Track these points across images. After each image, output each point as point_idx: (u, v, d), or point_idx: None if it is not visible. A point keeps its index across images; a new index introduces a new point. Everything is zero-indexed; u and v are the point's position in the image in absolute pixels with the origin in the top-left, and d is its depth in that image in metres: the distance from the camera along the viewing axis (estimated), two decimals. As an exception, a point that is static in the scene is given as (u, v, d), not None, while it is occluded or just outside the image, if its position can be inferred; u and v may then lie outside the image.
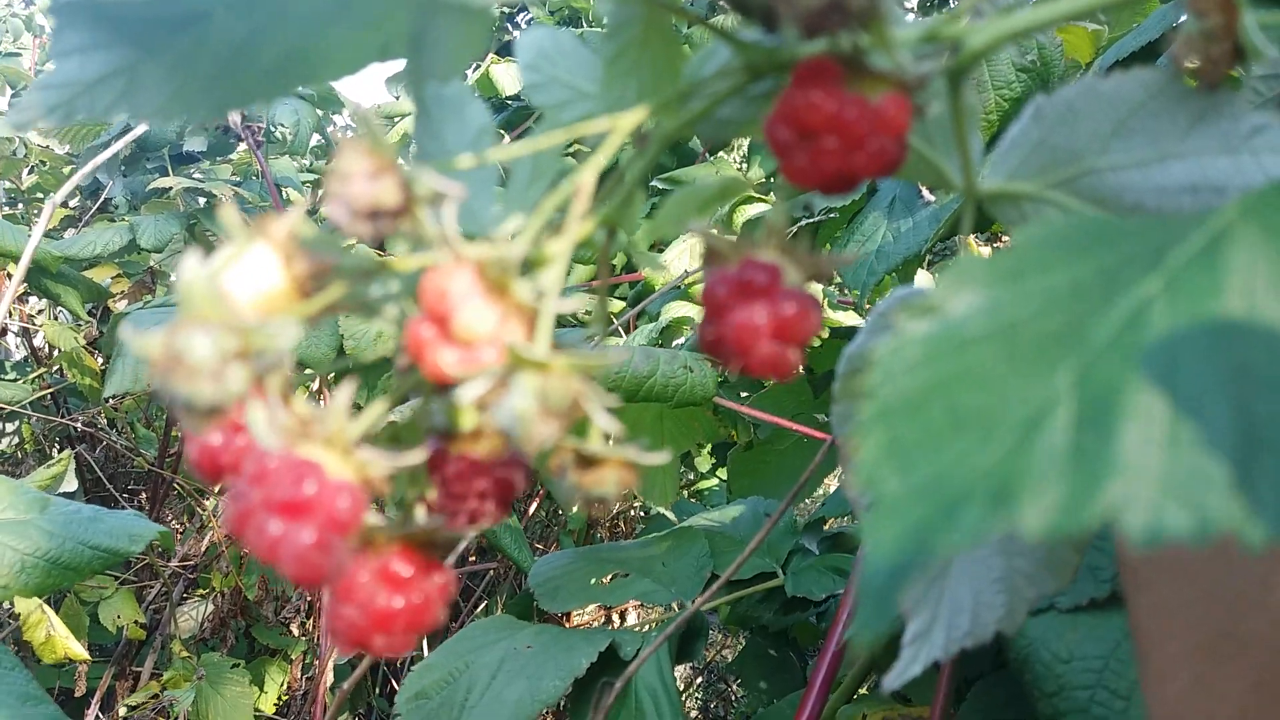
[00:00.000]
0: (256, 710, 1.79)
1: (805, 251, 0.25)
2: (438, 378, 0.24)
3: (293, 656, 1.97)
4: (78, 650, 1.33)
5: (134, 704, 1.69)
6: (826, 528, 1.18)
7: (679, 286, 1.26)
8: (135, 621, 1.76)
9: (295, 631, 2.00)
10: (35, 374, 1.99)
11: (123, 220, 1.83)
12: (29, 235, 1.63)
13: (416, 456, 0.25)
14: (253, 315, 0.22)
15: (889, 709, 0.97)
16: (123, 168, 2.08)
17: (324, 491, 0.23)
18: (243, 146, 2.14)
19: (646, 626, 1.00)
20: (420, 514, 0.27)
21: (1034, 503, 0.17)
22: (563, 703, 0.90)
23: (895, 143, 0.23)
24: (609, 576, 0.99)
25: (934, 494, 0.17)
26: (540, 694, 0.78)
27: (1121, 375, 0.18)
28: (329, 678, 1.77)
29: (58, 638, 1.33)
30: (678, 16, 0.26)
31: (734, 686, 2.32)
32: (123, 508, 2.26)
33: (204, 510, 1.93)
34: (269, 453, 0.23)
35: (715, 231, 0.26)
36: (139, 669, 1.84)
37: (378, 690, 2.12)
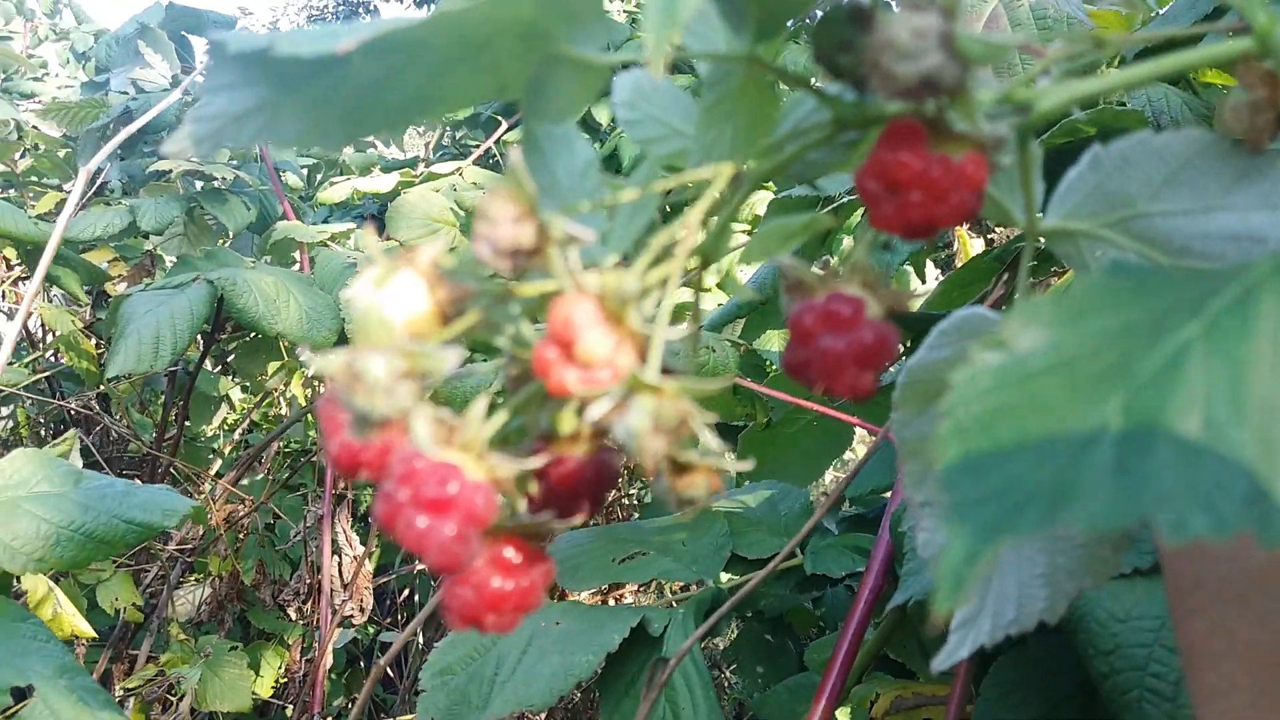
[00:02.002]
0: (253, 695, 1.81)
1: (885, 285, 0.28)
2: (559, 393, 0.27)
3: (289, 641, 2.00)
4: (84, 628, 1.34)
5: (131, 686, 1.70)
6: (845, 508, 1.20)
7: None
8: (133, 604, 1.78)
9: (292, 615, 2.02)
10: (31, 357, 2.00)
11: (121, 203, 1.84)
12: (27, 217, 1.65)
13: (536, 461, 0.28)
14: (414, 340, 0.25)
15: (901, 687, 1.00)
16: (120, 152, 2.08)
17: (464, 491, 0.26)
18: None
19: (673, 604, 1.03)
20: (523, 507, 0.31)
21: (1084, 505, 0.20)
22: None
23: (974, 196, 0.27)
24: (624, 556, 1.00)
25: (1003, 497, 0.21)
26: (574, 669, 0.80)
27: (1160, 404, 0.22)
28: (328, 661, 1.80)
29: (64, 615, 1.34)
30: (777, 77, 0.30)
31: (728, 673, 2.35)
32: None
33: (201, 494, 1.95)
34: (415, 455, 0.26)
35: (800, 264, 0.29)
36: (135, 652, 1.85)
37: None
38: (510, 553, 0.28)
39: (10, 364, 1.96)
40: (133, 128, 1.52)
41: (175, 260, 1.70)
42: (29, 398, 1.96)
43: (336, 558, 1.83)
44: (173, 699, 1.63)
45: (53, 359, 2.10)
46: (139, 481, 2.12)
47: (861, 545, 1.07)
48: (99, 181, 2.13)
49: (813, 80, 0.30)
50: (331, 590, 1.82)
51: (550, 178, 0.32)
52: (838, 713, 1.38)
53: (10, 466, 0.93)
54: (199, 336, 1.81)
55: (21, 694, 0.78)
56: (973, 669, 0.68)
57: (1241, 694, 0.30)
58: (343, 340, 1.52)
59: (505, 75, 0.31)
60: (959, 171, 0.26)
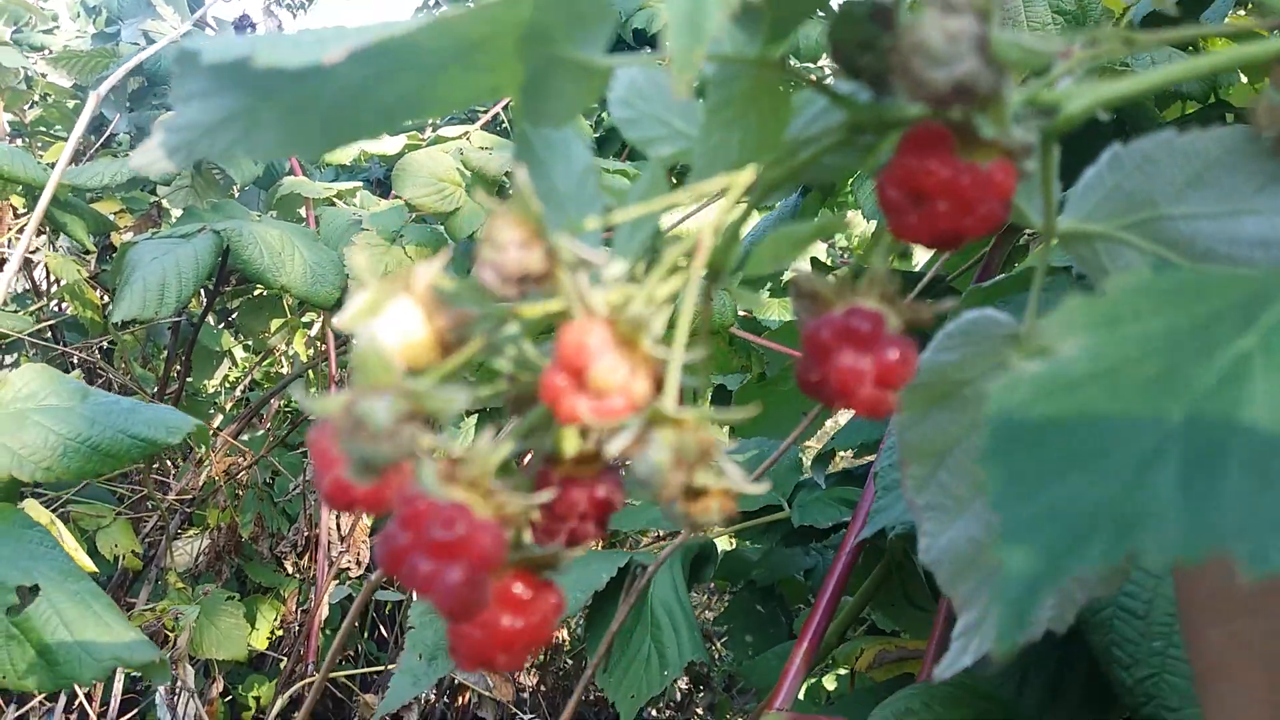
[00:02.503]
0: (249, 646, 1.82)
1: (904, 299, 0.27)
2: (571, 422, 0.26)
3: (285, 594, 2.01)
4: (86, 562, 1.35)
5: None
6: (835, 466, 1.21)
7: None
8: (132, 552, 1.79)
9: (289, 568, 2.02)
10: (35, 306, 1.98)
11: (129, 154, 1.81)
12: (35, 162, 1.62)
13: (546, 495, 0.27)
14: (417, 379, 0.24)
15: (884, 643, 1.01)
16: (129, 103, 2.05)
17: (471, 532, 0.25)
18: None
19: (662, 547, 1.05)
20: (527, 535, 0.29)
21: (1155, 536, 0.19)
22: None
23: (1002, 206, 0.25)
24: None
25: (1059, 520, 0.20)
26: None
27: (1227, 422, 0.20)
28: (323, 613, 1.81)
29: (67, 547, 1.36)
30: (789, 80, 0.28)
31: (719, 645, 2.38)
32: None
33: (201, 448, 1.94)
34: (418, 495, 0.25)
35: (815, 275, 0.28)
36: (133, 600, 1.86)
37: (367, 634, 2.16)
38: (519, 588, 0.27)
39: (14, 311, 1.94)
40: (132, 63, 1.48)
41: (182, 212, 1.68)
42: (33, 344, 1.94)
43: (334, 510, 1.83)
44: (171, 634, 1.63)
45: (57, 309, 2.08)
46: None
47: (849, 498, 1.08)
48: (107, 133, 2.10)
49: (823, 76, 0.29)
50: (329, 543, 1.83)
51: (547, 184, 0.30)
52: (824, 680, 1.40)
53: (19, 380, 0.95)
54: (202, 290, 1.80)
55: (28, 598, 0.81)
56: (948, 629, 0.68)
57: (1258, 707, 0.30)
58: (346, 296, 1.50)
59: (500, 76, 0.29)
60: (988, 180, 0.25)
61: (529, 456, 0.30)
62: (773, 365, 1.15)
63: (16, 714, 1.48)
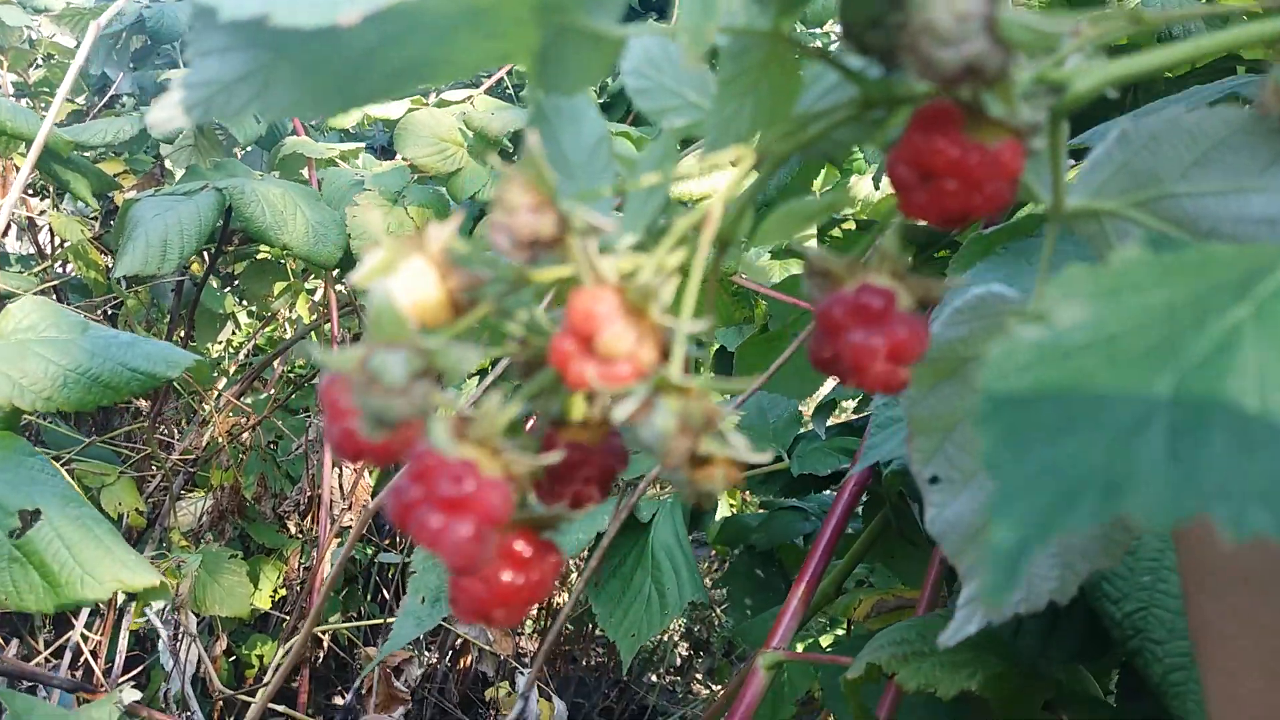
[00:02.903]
0: (252, 606, 1.84)
1: (916, 276, 0.27)
2: (578, 387, 0.26)
3: (288, 555, 2.02)
4: (100, 514, 1.37)
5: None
6: (835, 419, 1.21)
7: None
8: (135, 509, 1.80)
9: (292, 529, 2.04)
10: (40, 267, 1.99)
11: (133, 113, 1.81)
12: (38, 118, 1.62)
13: (554, 456, 0.27)
14: (431, 336, 0.24)
15: (882, 592, 1.02)
16: (132, 63, 2.04)
17: (480, 489, 0.25)
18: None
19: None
20: (533, 498, 0.30)
21: (1139, 498, 0.19)
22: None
23: (1010, 185, 0.25)
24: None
25: (1051, 482, 0.20)
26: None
27: (1214, 390, 0.21)
28: (327, 567, 1.82)
29: None
30: (801, 53, 0.28)
31: (718, 612, 2.39)
32: (125, 403, 2.28)
33: (205, 409, 1.95)
34: (428, 451, 0.25)
35: (827, 252, 0.28)
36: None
37: (369, 596, 2.18)
38: (521, 545, 0.28)
39: (19, 272, 1.94)
40: (105, 16, 1.47)
41: (184, 171, 1.68)
42: (36, 303, 1.94)
43: (337, 470, 1.84)
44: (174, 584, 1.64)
45: (61, 270, 2.08)
46: (145, 394, 2.13)
47: (849, 447, 1.08)
48: (110, 93, 2.09)
49: (829, 43, 0.29)
50: (331, 501, 1.84)
51: (558, 153, 0.30)
52: (821, 639, 1.41)
53: (20, 312, 0.95)
54: (206, 254, 1.80)
55: (29, 521, 0.82)
56: (942, 570, 0.69)
57: (1254, 677, 0.30)
58: (348, 257, 1.51)
59: (509, 42, 0.29)
60: (996, 160, 0.25)
61: (533, 419, 0.31)
62: (775, 319, 1.15)
63: (20, 655, 1.50)
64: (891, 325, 0.27)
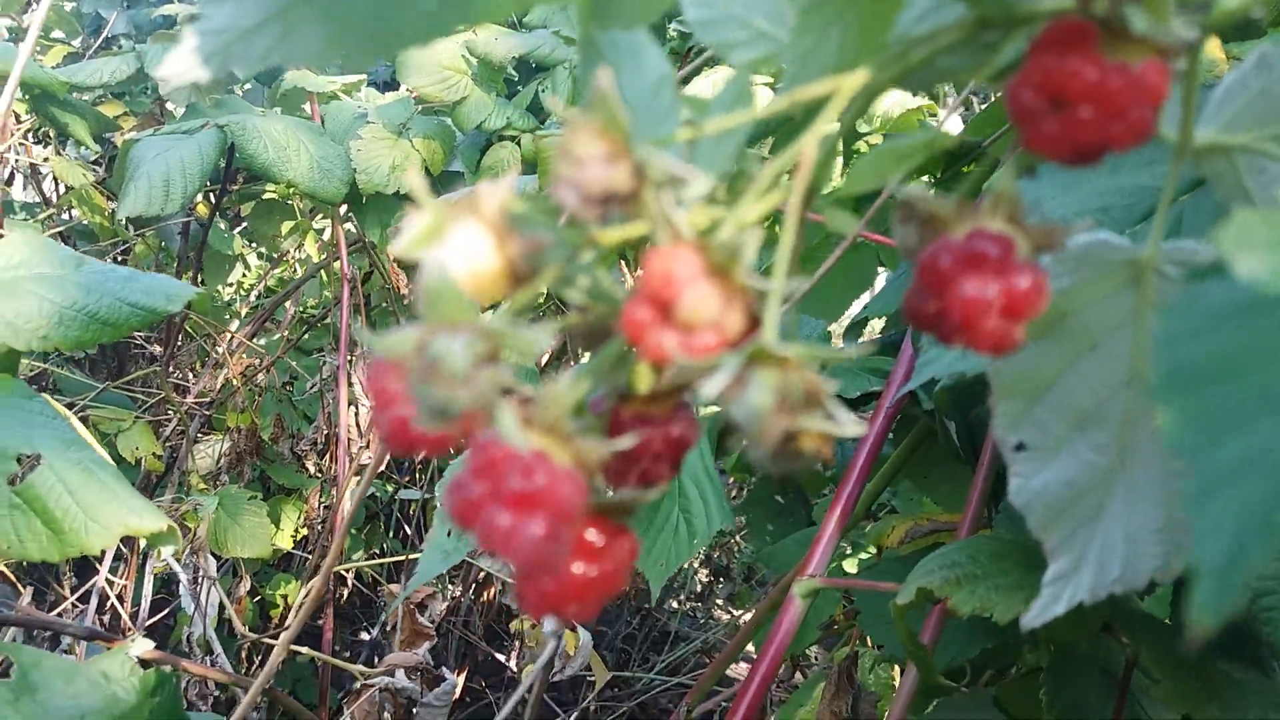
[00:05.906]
0: (274, 546, 1.84)
1: (1033, 221, 0.24)
2: (657, 360, 0.23)
3: (307, 494, 2.01)
4: (103, 455, 1.35)
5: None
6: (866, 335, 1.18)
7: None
8: (153, 454, 1.79)
9: (310, 469, 2.03)
10: (45, 214, 1.95)
11: (129, 52, 1.76)
12: (35, 65, 1.58)
13: (628, 441, 0.24)
14: (499, 319, 0.21)
15: (915, 517, 1.00)
16: (125, 1, 1.98)
17: (552, 482, 0.22)
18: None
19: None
20: (599, 478, 0.27)
21: None
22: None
23: (1154, 113, 0.22)
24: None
25: (1254, 471, 0.17)
26: None
27: None
28: (347, 504, 1.81)
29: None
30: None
31: (738, 539, 2.39)
32: (139, 349, 2.26)
33: (218, 351, 1.93)
34: (493, 442, 0.22)
35: (930, 194, 0.25)
36: (158, 503, 1.87)
37: (391, 533, 2.18)
38: (593, 535, 0.25)
39: (24, 220, 1.91)
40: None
41: (184, 110, 1.64)
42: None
43: (353, 408, 1.83)
44: (190, 526, 1.64)
45: (67, 217, 2.05)
46: (158, 338, 2.10)
47: (880, 368, 1.05)
48: (105, 33, 2.03)
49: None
50: (349, 439, 1.82)
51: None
52: (844, 564, 1.41)
53: (9, 248, 0.90)
54: (212, 195, 1.76)
55: (29, 466, 0.78)
56: (987, 491, 0.67)
57: None
58: (353, 192, 1.47)
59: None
60: (1139, 82, 0.22)
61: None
62: (808, 235, 1.11)
63: (51, 611, 1.50)
64: (1009, 276, 0.23)
